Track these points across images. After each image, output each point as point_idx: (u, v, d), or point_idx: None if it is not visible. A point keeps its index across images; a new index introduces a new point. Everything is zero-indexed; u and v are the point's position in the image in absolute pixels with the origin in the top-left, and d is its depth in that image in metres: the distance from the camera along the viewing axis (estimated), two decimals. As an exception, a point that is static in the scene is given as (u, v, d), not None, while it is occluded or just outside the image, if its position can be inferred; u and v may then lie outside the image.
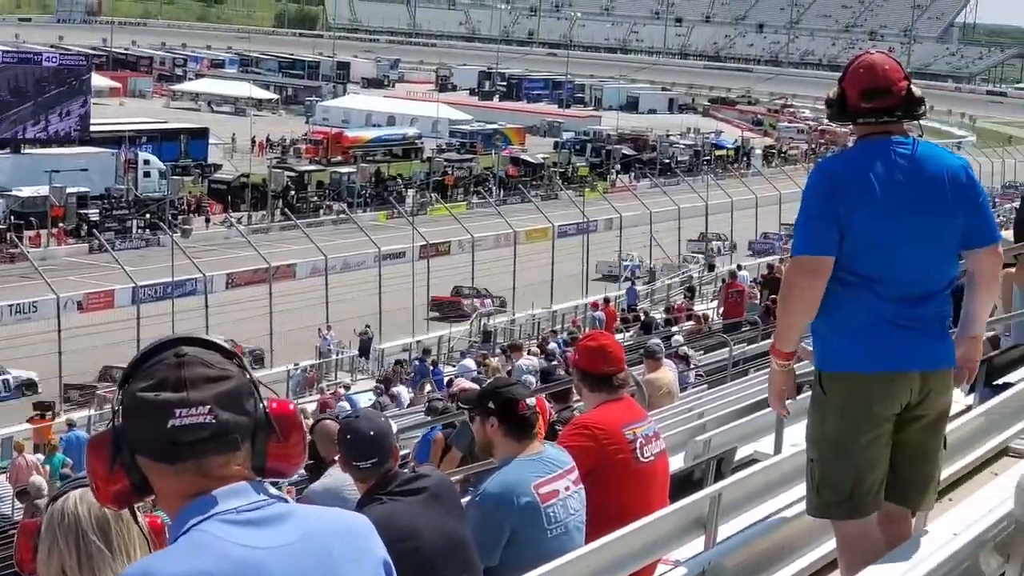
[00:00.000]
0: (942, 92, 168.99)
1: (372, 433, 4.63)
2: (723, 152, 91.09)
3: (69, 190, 52.20)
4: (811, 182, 4.30)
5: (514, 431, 5.01)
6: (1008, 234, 8.31)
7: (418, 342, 38.07)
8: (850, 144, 4.51)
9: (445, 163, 72.40)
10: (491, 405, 5.05)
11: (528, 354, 24.82)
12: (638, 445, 5.37)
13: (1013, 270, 5.45)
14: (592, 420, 5.36)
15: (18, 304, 38.05)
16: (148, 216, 53.84)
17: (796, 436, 8.06)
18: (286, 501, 2.25)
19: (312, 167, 68.14)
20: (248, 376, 2.29)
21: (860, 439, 4.18)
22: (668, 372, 13.51)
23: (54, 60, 64.13)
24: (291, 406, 2.33)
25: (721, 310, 30.48)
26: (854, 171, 4.19)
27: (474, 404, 5.23)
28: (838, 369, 4.23)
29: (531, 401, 5.06)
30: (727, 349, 20.68)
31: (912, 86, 4.29)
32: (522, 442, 5.01)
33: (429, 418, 11.07)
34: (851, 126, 4.36)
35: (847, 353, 4.20)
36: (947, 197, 4.23)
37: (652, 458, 5.46)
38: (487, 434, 5.07)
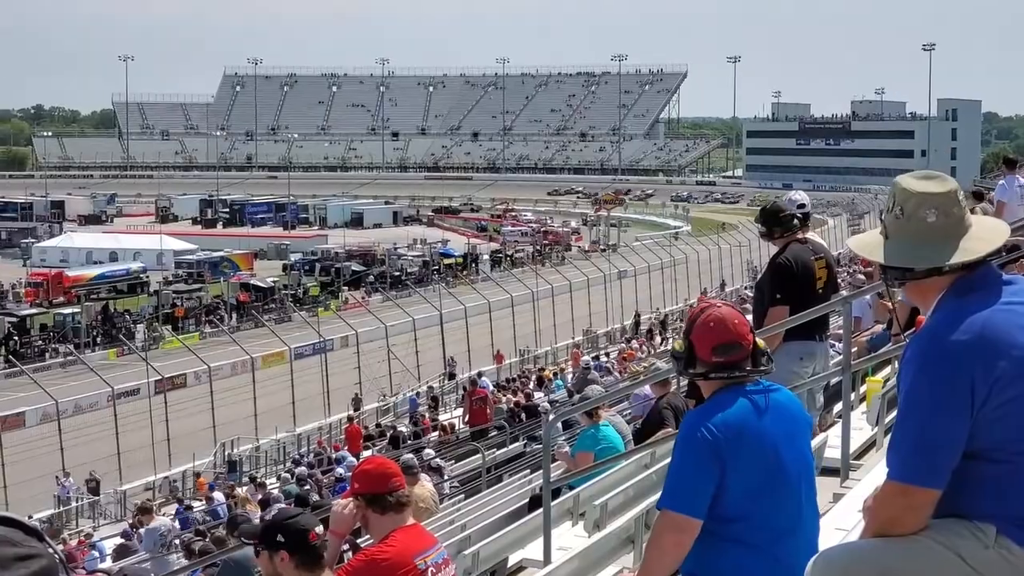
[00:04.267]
0: (654, 185, 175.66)
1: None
2: (452, 260, 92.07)
3: None
4: (687, 438, 4.33)
5: (306, 562, 4.93)
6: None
7: (165, 478, 37.19)
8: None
9: (174, 294, 71.16)
10: (280, 538, 4.96)
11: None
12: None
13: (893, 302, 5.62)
14: (381, 553, 5.11)
15: None
16: None
17: (564, 539, 8.16)
18: None
19: (34, 310, 65.99)
20: (55, 553, 2.19)
21: None
22: (427, 485, 13.49)
23: None
24: None
25: (466, 417, 30.61)
26: (728, 428, 4.27)
27: (260, 538, 5.09)
28: None
29: (320, 529, 4.99)
30: (479, 456, 20.76)
31: (757, 338, 4.46)
32: (314, 572, 4.93)
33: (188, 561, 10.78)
34: (694, 374, 4.46)
35: None
36: (806, 444, 4.51)
37: (445, 588, 5.31)
38: (276, 568, 4.97)
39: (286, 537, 4.94)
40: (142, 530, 24.76)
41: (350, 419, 37.15)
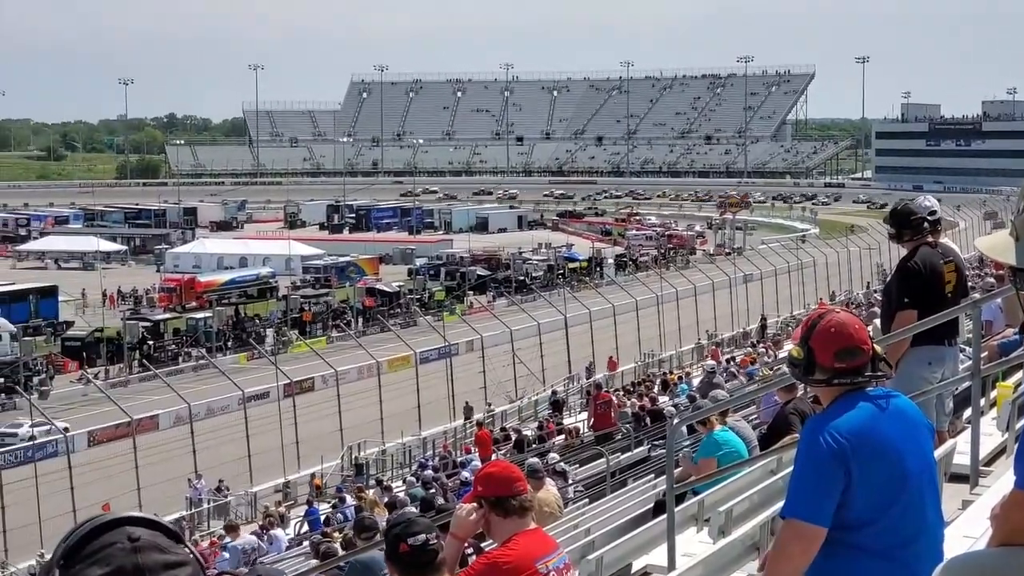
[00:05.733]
0: (781, 188, 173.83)
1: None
2: (576, 264, 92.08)
3: (-83, 362, 50.88)
4: (811, 445, 4.28)
5: (407, 571, 4.96)
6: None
7: (288, 481, 37.69)
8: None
9: (302, 299, 72.13)
10: (385, 548, 5.05)
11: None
12: None
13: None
14: (503, 557, 5.10)
15: None
16: (2, 380, 52.57)
17: (688, 545, 8.11)
18: None
19: (167, 315, 67.32)
20: (198, 559, 2.21)
21: None
22: (551, 489, 13.50)
23: None
24: None
25: (591, 422, 30.58)
26: (853, 434, 4.23)
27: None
28: None
29: (419, 539, 4.99)
30: (603, 460, 20.72)
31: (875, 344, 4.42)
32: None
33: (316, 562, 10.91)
34: (815, 381, 4.42)
35: None
36: (929, 448, 4.45)
37: (566, 594, 5.26)
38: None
39: (385, 547, 5.01)
40: (272, 532, 25.16)
41: (479, 424, 37.30)
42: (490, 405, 44.60)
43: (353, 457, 39.82)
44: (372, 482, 32.48)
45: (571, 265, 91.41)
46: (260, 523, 27.88)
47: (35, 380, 53.71)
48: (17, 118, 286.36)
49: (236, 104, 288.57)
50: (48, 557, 2.22)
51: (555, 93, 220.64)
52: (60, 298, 71.94)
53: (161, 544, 2.16)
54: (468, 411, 44.40)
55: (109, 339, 60.72)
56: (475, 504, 5.20)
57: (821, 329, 4.37)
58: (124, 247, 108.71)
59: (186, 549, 2.20)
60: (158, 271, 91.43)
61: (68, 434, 37.72)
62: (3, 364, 54.64)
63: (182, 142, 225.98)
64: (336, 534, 20.33)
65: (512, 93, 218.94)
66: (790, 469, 5.01)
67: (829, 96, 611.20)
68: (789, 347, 4.63)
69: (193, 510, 35.46)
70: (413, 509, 16.52)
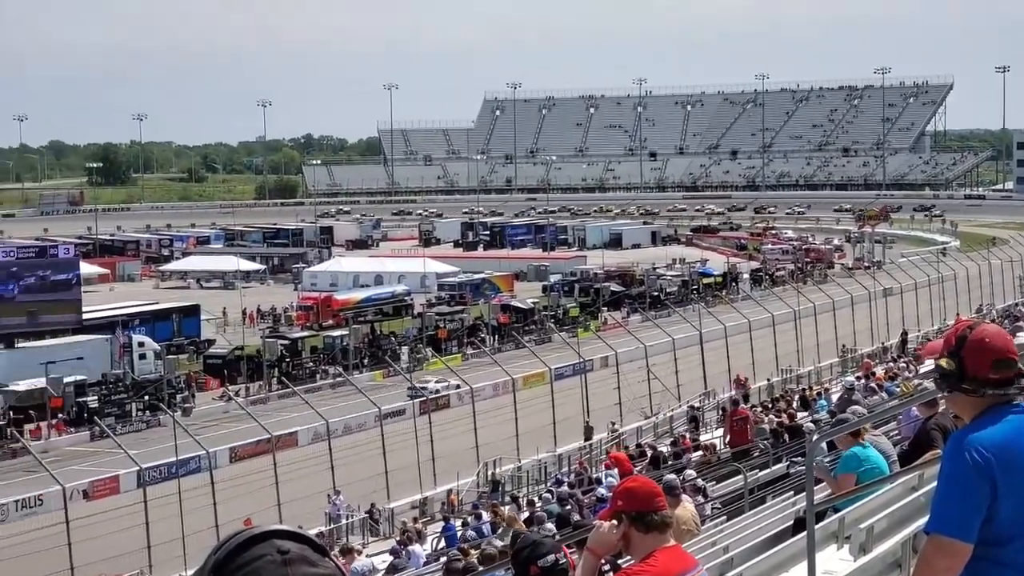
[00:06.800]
0: (921, 200, 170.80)
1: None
2: (711, 280, 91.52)
3: (66, 379, 52.18)
4: (956, 459, 4.19)
5: None
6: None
7: (425, 498, 37.94)
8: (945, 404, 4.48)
9: (436, 317, 72.65)
10: (512, 567, 5.03)
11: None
12: None
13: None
14: (643, 573, 5.01)
15: (24, 499, 37.77)
16: (147, 398, 53.74)
17: (829, 563, 8.00)
18: None
19: (305, 333, 68.27)
20: (343, 573, 2.25)
21: None
22: (688, 506, 13.40)
23: (42, 253, 64.30)
24: None
25: (727, 438, 30.30)
26: (999, 449, 4.14)
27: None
28: None
29: (549, 559, 4.97)
30: (740, 477, 20.53)
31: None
32: None
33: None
34: (963, 394, 4.33)
35: None
36: None
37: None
38: None
39: (514, 566, 5.00)
40: (410, 547, 25.34)
41: (607, 451, 37.15)
42: (613, 424, 44.35)
43: (489, 474, 39.95)
44: (507, 499, 32.54)
45: (706, 280, 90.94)
46: (398, 539, 28.11)
47: (178, 398, 54.81)
48: (160, 141, 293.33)
49: (371, 123, 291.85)
50: (189, 573, 2.26)
51: (688, 107, 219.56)
52: (202, 317, 73.38)
53: (310, 557, 2.19)
54: (588, 432, 44.22)
55: (249, 357, 61.77)
56: (613, 521, 5.16)
57: (974, 340, 4.30)
58: (263, 266, 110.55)
59: (332, 562, 2.23)
60: (295, 289, 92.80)
61: (210, 450, 38.39)
62: (148, 382, 55.87)
63: (318, 162, 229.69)
64: (472, 551, 20.42)
65: (645, 108, 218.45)
66: (932, 485, 4.93)
67: (968, 106, 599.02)
68: (931, 361, 4.57)
69: (332, 525, 35.85)
70: (550, 526, 16.53)
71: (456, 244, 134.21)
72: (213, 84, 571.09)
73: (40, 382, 51.31)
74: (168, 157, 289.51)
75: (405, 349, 65.99)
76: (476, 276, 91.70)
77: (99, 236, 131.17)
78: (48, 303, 61.06)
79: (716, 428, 38.09)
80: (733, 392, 43.44)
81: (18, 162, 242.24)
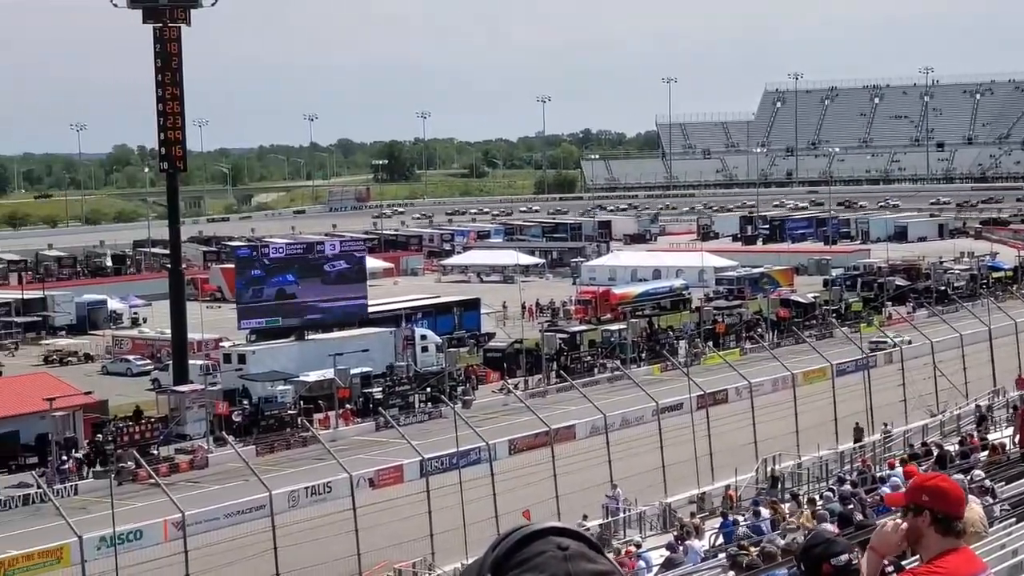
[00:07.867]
0: None
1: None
2: (1001, 274, 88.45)
3: (353, 371, 53.91)
4: None
5: None
6: None
7: (703, 493, 37.69)
8: None
9: (715, 311, 72.18)
10: (802, 566, 4.91)
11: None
12: None
13: None
14: (933, 574, 4.92)
15: (313, 486, 39.21)
16: (428, 390, 54.98)
17: None
18: None
19: (583, 327, 68.72)
20: (618, 570, 2.30)
21: None
22: (976, 508, 12.91)
23: (333, 248, 66.20)
24: None
25: (1018, 438, 29.14)
26: None
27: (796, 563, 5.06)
28: None
29: (842, 559, 4.83)
30: (1032, 479, 19.73)
31: None
32: None
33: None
34: None
35: None
36: None
37: (993, 616, 5.04)
38: None
39: (804, 564, 4.86)
40: (688, 542, 25.21)
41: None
42: (886, 425, 43.18)
43: (768, 470, 39.44)
44: (787, 495, 32.06)
45: (995, 274, 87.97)
46: (675, 534, 28.01)
47: (459, 390, 55.90)
48: (442, 138, 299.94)
49: (649, 118, 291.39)
50: (466, 563, 2.31)
51: (978, 96, 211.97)
52: (482, 310, 74.69)
53: (588, 554, 2.26)
54: (859, 433, 43.19)
55: (528, 350, 62.52)
56: (898, 520, 4.98)
57: None
58: (542, 260, 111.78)
59: (609, 559, 2.29)
60: (574, 283, 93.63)
61: (490, 442, 39.05)
62: (430, 374, 57.16)
63: (597, 157, 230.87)
64: (752, 548, 20.16)
65: (932, 97, 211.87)
66: None
67: None
68: None
69: (610, 518, 35.96)
70: (830, 525, 16.20)
71: (735, 238, 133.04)
72: (493, 82, 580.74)
73: (328, 373, 53.16)
74: (450, 153, 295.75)
75: (683, 343, 65.73)
76: (755, 270, 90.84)
77: (384, 231, 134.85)
78: (336, 297, 62.76)
79: (1006, 427, 36.68)
80: (1019, 391, 41.83)
81: (309, 160, 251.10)
